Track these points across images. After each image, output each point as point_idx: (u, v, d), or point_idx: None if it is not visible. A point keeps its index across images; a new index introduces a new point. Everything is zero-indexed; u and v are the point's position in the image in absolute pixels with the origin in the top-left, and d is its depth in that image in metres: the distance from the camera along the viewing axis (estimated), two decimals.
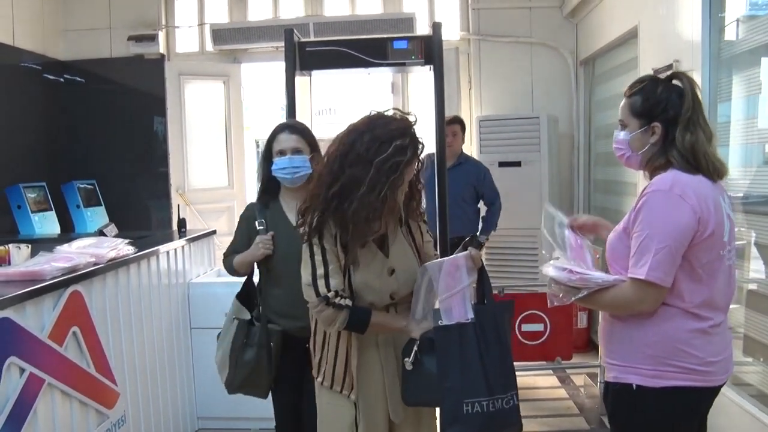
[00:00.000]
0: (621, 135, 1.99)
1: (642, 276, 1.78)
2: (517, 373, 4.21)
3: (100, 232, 3.41)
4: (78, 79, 5.66)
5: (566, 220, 2.18)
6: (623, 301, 1.86)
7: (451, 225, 3.61)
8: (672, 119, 1.88)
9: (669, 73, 1.98)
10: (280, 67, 3.78)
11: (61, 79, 5.64)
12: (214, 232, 4.40)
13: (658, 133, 1.90)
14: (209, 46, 5.78)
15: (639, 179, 4.25)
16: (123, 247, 2.94)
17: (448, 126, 4.26)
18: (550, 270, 1.95)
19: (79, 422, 2.54)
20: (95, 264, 2.69)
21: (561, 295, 1.93)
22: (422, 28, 5.53)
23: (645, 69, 4.06)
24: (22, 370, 2.19)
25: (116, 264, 2.86)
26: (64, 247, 2.75)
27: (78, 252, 2.70)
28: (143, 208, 5.75)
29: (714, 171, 1.87)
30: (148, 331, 3.20)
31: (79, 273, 2.56)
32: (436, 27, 3.65)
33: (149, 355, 3.21)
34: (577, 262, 1.96)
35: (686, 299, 1.83)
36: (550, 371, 4.58)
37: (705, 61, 3.34)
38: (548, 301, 1.98)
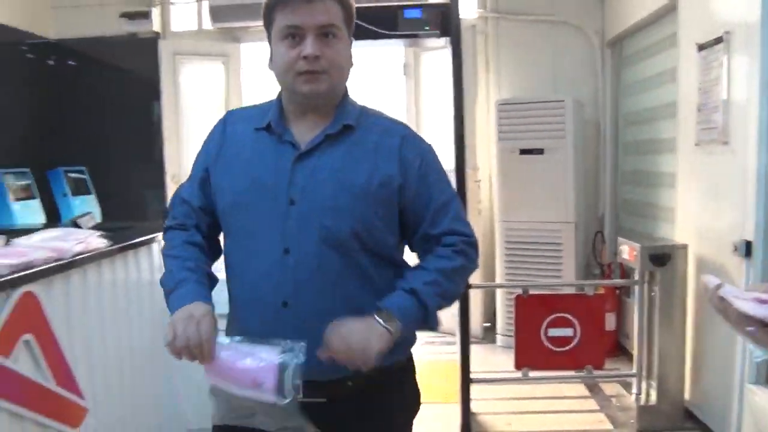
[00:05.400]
0: None
1: None
2: (541, 382, 3.87)
3: (74, 223, 3.02)
4: (66, 58, 5.27)
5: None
6: None
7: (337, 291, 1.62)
8: None
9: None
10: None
11: (49, 59, 5.25)
12: None
13: None
14: (207, 24, 5.38)
15: (678, 169, 3.83)
16: (93, 240, 2.54)
17: None
18: (740, 304, 1.35)
19: None
20: (57, 260, 2.30)
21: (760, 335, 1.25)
22: None
23: (688, 45, 3.63)
24: None
25: (84, 260, 2.46)
26: (21, 240, 2.36)
27: (36, 246, 2.31)
28: (137, 197, 5.36)
29: None
30: (124, 335, 2.81)
31: (34, 270, 2.16)
32: None
33: (126, 362, 2.82)
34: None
35: None
36: (577, 379, 4.17)
37: (765, 31, 2.90)
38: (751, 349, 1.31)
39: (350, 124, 1.53)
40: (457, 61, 3.20)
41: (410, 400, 1.68)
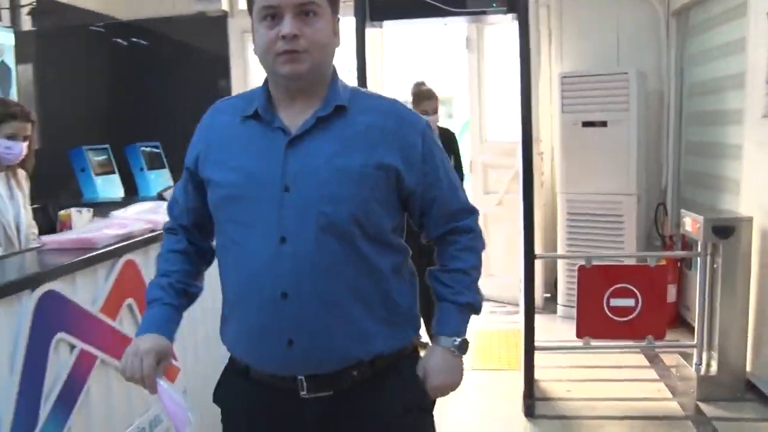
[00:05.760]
0: None
1: None
2: (601, 351, 3.95)
3: (159, 197, 3.23)
4: (139, 38, 5.50)
5: None
6: None
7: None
8: None
9: None
10: (347, 22, 3.52)
11: (122, 40, 5.50)
12: None
13: None
14: None
15: (744, 141, 3.83)
16: None
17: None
18: None
19: (137, 400, 2.36)
20: (152, 231, 2.50)
21: None
22: None
23: (757, 14, 3.61)
24: (72, 347, 2.01)
25: None
26: (119, 213, 2.57)
27: (133, 218, 2.51)
28: None
29: None
30: (209, 299, 3.01)
31: (134, 241, 2.36)
32: None
33: (212, 326, 3.02)
34: None
35: None
36: (637, 349, 4.22)
37: None
38: None
39: (342, 104, 1.45)
40: (525, 37, 3.26)
41: (418, 394, 1.56)
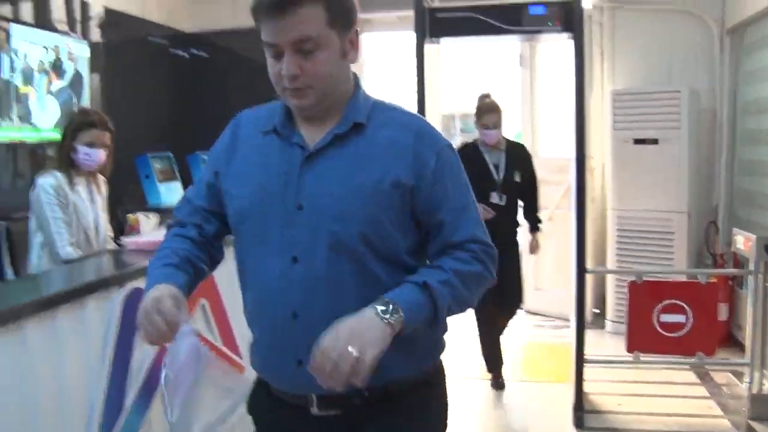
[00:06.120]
0: None
1: None
2: (650, 366, 3.96)
3: None
4: (201, 50, 5.72)
5: None
6: None
7: None
8: None
9: None
10: (402, 37, 3.65)
11: (186, 53, 5.72)
12: None
13: None
14: None
15: None
16: None
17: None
18: None
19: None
20: None
21: None
22: None
23: None
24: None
25: None
26: None
27: None
28: None
29: None
30: None
31: None
32: None
33: None
34: None
35: None
36: (687, 366, 4.22)
37: None
38: None
39: (360, 121, 1.41)
40: (580, 56, 3.34)
41: (434, 420, 1.50)
